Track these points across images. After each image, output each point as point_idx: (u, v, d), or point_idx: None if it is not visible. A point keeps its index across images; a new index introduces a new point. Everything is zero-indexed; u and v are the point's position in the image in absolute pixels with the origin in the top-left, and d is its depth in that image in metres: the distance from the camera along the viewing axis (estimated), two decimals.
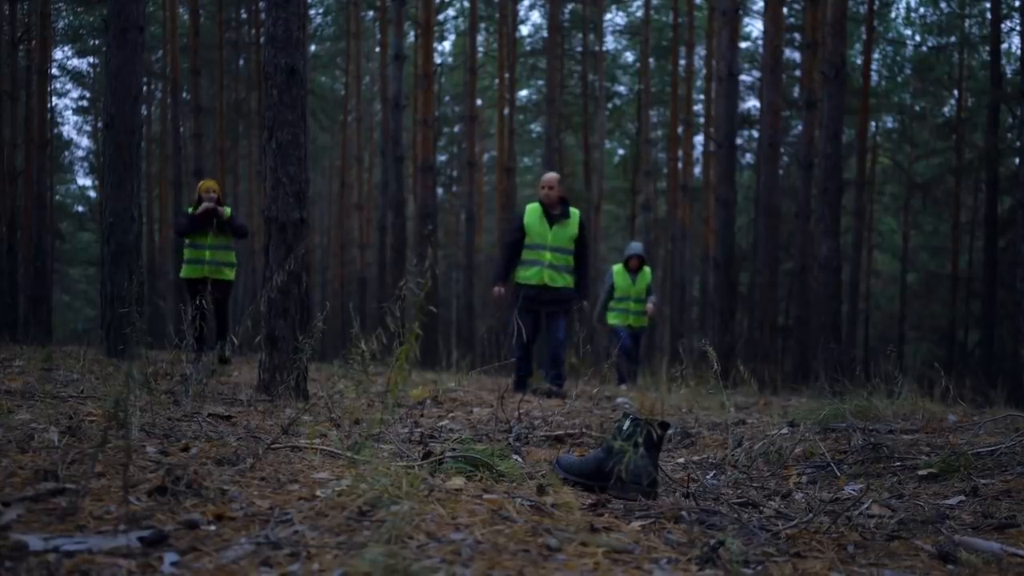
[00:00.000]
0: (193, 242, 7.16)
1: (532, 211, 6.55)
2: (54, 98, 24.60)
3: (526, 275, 6.44)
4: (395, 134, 16.48)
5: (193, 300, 6.40)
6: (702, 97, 24.15)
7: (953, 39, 21.49)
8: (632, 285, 9.24)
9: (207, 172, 19.08)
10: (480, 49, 23.66)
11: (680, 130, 21.25)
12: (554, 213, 6.48)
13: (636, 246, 9.47)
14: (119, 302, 6.47)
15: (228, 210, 7.27)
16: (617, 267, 9.36)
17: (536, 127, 27.41)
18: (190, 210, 7.19)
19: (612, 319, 9.30)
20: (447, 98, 27.80)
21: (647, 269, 9.35)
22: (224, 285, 7.27)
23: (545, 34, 21.70)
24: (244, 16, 22.91)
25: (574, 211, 6.58)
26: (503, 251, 6.68)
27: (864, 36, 19.03)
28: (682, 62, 21.58)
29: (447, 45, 28.14)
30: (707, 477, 2.66)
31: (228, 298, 7.41)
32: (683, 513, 1.97)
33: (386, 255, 18.27)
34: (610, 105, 25.25)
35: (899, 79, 23.62)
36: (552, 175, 6.72)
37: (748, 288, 17.77)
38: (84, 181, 33.07)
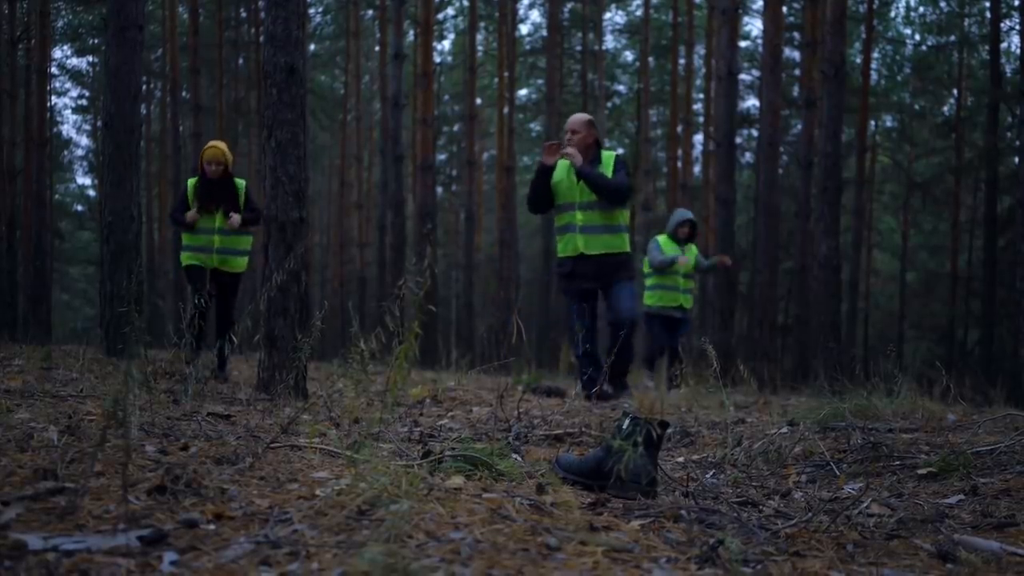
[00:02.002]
0: (201, 225, 5.90)
1: (560, 169, 5.25)
2: (53, 97, 24.60)
3: (560, 247, 5.30)
4: (395, 133, 16.48)
5: (196, 293, 5.58)
6: (702, 96, 24.15)
7: (953, 38, 21.49)
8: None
9: None
10: (480, 48, 23.65)
11: (680, 129, 21.24)
12: (584, 159, 5.18)
13: (685, 212, 7.94)
14: (118, 301, 6.47)
15: (242, 184, 5.97)
16: (662, 237, 7.85)
17: (536, 126, 27.41)
18: (191, 184, 5.92)
19: (653, 300, 7.69)
20: (447, 97, 27.81)
21: (694, 245, 7.92)
22: (234, 276, 6.05)
23: (545, 33, 21.72)
24: (244, 15, 22.89)
25: (608, 154, 5.25)
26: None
27: (864, 35, 19.03)
28: (681, 61, 21.58)
29: (447, 44, 28.14)
30: (706, 476, 2.66)
31: (237, 292, 6.14)
32: (682, 512, 1.97)
33: (385, 254, 18.27)
34: (610, 104, 25.23)
35: (899, 78, 23.63)
36: (579, 116, 5.43)
37: (748, 287, 17.77)
38: (83, 180, 33.09)
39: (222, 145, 5.93)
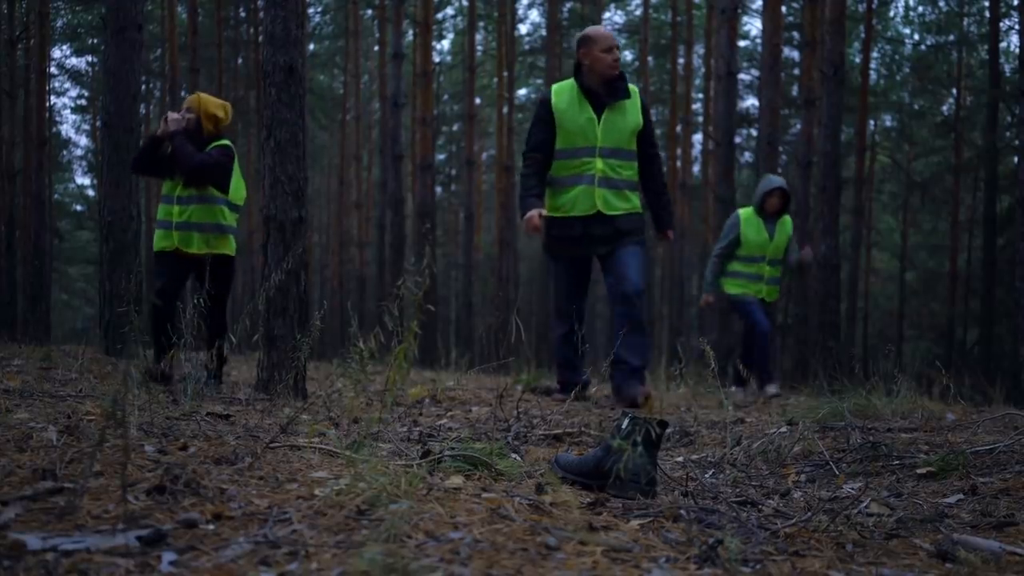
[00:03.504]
0: (163, 193, 4.78)
1: (564, 91, 4.26)
2: (53, 97, 24.56)
3: (563, 202, 4.25)
4: (394, 132, 16.48)
5: (162, 290, 4.52)
6: (701, 96, 24.17)
7: (952, 37, 21.50)
8: (769, 240, 6.37)
9: None
10: (479, 48, 23.66)
11: (679, 128, 21.24)
12: (603, 94, 4.21)
13: (774, 179, 6.57)
14: (118, 301, 6.47)
15: (224, 141, 4.77)
16: (745, 212, 6.48)
17: None
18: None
19: (734, 287, 6.46)
20: (446, 96, 27.80)
21: (788, 217, 6.52)
22: (215, 265, 4.67)
23: (544, 33, 21.70)
24: (243, 15, 22.89)
25: (633, 89, 4.34)
26: (527, 162, 4.33)
27: (863, 35, 19.03)
28: (681, 60, 21.58)
29: (446, 44, 28.15)
30: (706, 476, 2.66)
31: (224, 283, 4.78)
32: (682, 512, 1.97)
33: (385, 254, 18.27)
34: None
35: (898, 78, 23.65)
36: (607, 33, 4.34)
37: None
38: (83, 180, 33.09)
39: (204, 95, 4.87)
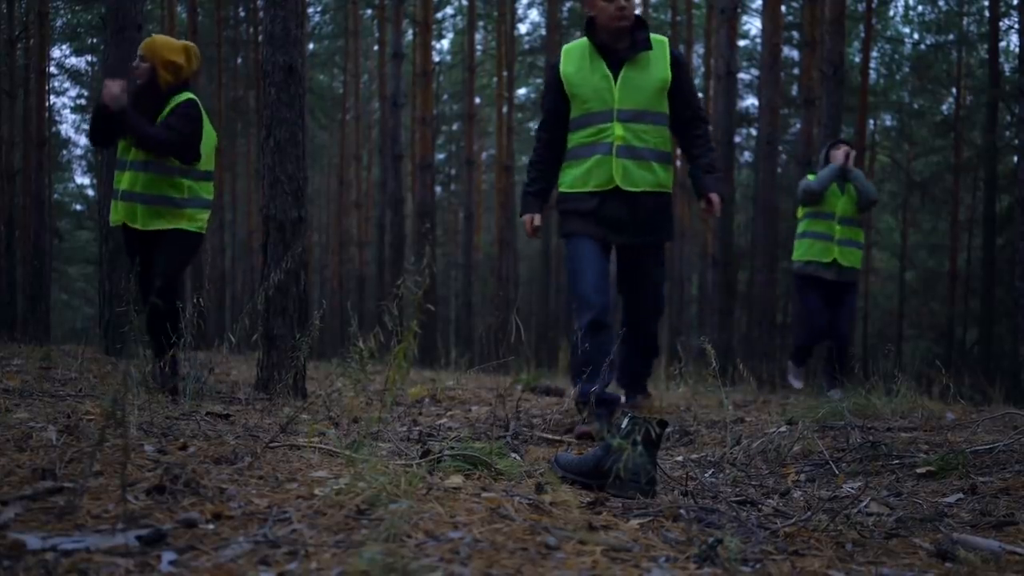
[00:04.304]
0: (117, 156, 4.08)
1: (574, 52, 3.58)
2: (52, 96, 24.55)
3: (576, 175, 3.54)
4: (394, 132, 16.47)
5: (132, 268, 3.97)
6: (701, 95, 24.15)
7: (951, 37, 21.49)
8: (839, 195, 5.75)
9: None
10: (479, 47, 23.66)
11: None
12: (620, 47, 3.52)
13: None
14: (117, 301, 6.46)
15: (181, 99, 3.96)
16: (814, 175, 5.98)
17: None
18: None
19: (796, 252, 5.88)
20: (445, 96, 27.79)
21: (859, 171, 5.89)
22: (159, 239, 3.95)
23: (544, 32, 21.68)
24: (242, 14, 22.88)
25: (659, 39, 3.59)
26: (535, 146, 3.74)
27: (863, 34, 19.03)
28: None
29: (445, 43, 28.14)
30: (705, 475, 2.66)
31: (171, 264, 3.96)
32: (681, 511, 1.97)
33: (384, 253, 18.27)
34: None
35: (897, 77, 23.64)
36: None
37: (746, 286, 17.77)
38: (82, 179, 33.06)
39: (158, 38, 4.06)
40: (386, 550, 1.31)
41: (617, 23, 3.50)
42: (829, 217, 5.77)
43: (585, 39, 3.63)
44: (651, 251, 3.63)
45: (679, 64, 3.60)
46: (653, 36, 3.59)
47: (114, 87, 3.75)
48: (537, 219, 3.68)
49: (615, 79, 3.50)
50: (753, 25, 26.03)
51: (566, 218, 3.63)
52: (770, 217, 12.79)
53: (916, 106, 23.27)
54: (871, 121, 22.65)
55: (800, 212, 6.07)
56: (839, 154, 5.79)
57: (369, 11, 23.63)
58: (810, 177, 5.94)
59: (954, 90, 21.48)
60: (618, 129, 3.48)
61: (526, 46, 24.91)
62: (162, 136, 3.87)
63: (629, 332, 3.63)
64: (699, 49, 22.98)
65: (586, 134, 3.54)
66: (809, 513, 1.96)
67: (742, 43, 22.87)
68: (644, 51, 3.52)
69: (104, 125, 3.92)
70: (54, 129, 26.05)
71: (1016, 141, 15.24)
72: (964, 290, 20.40)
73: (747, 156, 23.27)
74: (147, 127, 3.87)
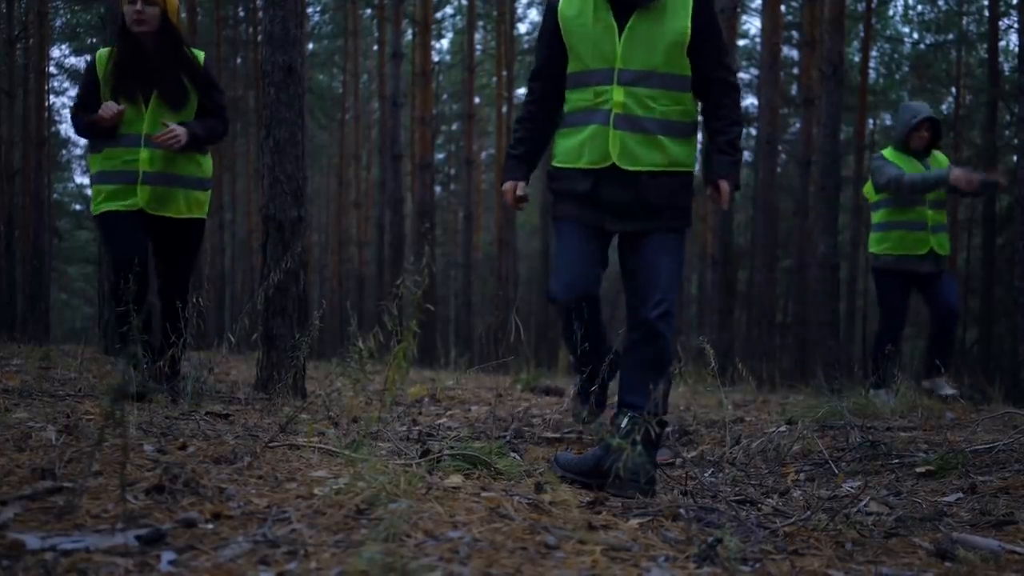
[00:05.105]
0: (119, 131, 3.46)
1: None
2: (52, 96, 24.54)
3: (568, 147, 2.89)
4: (393, 132, 16.47)
5: (118, 268, 3.50)
6: None
7: (951, 36, 21.50)
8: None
9: None
10: (478, 47, 23.64)
11: None
12: None
13: (919, 106, 5.20)
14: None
15: (201, 56, 3.68)
16: (888, 152, 5.23)
17: None
18: (101, 56, 3.55)
19: (882, 246, 5.09)
20: (445, 96, 27.80)
21: (941, 155, 5.22)
22: (181, 227, 3.61)
23: None
24: (242, 14, 22.88)
25: None
26: (526, 99, 3.09)
27: (862, 33, 19.04)
28: None
29: (445, 43, 28.12)
30: (705, 475, 2.66)
31: (191, 252, 3.70)
32: (681, 511, 1.97)
33: (384, 253, 18.27)
34: None
35: (897, 76, 23.65)
36: None
37: (746, 286, 17.78)
38: (82, 179, 33.02)
39: None
40: (385, 550, 1.31)
41: None
42: (920, 203, 4.99)
43: None
44: (657, 237, 2.85)
45: (704, 11, 2.84)
46: None
47: (112, 109, 3.37)
48: (521, 187, 2.99)
49: (619, 31, 2.80)
50: (752, 25, 26.04)
51: (558, 199, 2.97)
52: (770, 217, 12.80)
53: None
54: (870, 120, 22.67)
55: (874, 197, 5.23)
56: (921, 138, 5.06)
57: (369, 11, 23.63)
58: (886, 155, 5.12)
59: (954, 89, 21.49)
60: (618, 94, 2.80)
61: (526, 46, 24.89)
62: (223, 126, 3.68)
63: (633, 344, 2.80)
64: None
65: (582, 97, 2.88)
66: (809, 512, 1.96)
67: (741, 43, 22.88)
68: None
69: (97, 133, 3.52)
70: (53, 129, 26.04)
71: (1016, 141, 15.24)
72: (964, 290, 20.38)
73: (747, 156, 23.27)
74: (216, 129, 3.63)
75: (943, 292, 5.07)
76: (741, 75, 20.78)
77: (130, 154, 3.47)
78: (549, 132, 3.06)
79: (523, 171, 3.02)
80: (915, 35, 23.52)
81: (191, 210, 3.66)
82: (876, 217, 5.20)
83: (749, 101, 23.45)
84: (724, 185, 2.89)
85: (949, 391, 4.64)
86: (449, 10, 25.46)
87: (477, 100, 24.29)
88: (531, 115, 3.04)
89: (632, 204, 2.84)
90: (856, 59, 19.40)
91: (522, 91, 25.56)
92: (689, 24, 2.79)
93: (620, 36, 2.79)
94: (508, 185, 3.02)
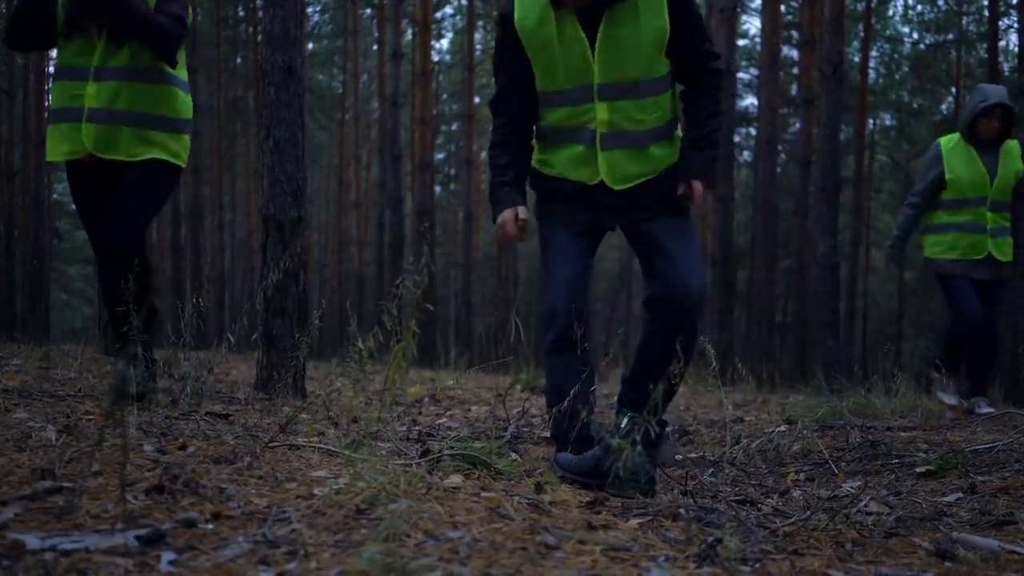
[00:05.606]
0: (62, 66, 3.09)
1: (529, 5, 2.55)
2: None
3: (553, 160, 2.68)
4: (393, 132, 16.47)
5: (86, 220, 3.22)
6: None
7: (951, 36, 21.50)
8: (986, 175, 4.52)
9: (205, 170, 19.06)
10: (478, 47, 23.63)
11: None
12: None
13: (992, 90, 4.57)
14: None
15: None
16: (948, 140, 4.69)
17: None
18: None
19: (937, 250, 4.68)
20: (445, 96, 27.80)
21: (1014, 143, 4.64)
22: (134, 174, 3.12)
23: None
24: (242, 14, 22.88)
25: None
26: (494, 125, 2.79)
27: (862, 33, 19.04)
28: None
29: (445, 43, 28.12)
30: (705, 475, 2.66)
31: (135, 207, 3.13)
32: (681, 511, 1.97)
33: (384, 253, 18.27)
34: None
35: (897, 76, 23.65)
36: None
37: (746, 286, 17.79)
38: None
39: None
40: (385, 550, 1.31)
41: None
42: (978, 204, 4.54)
43: None
44: (659, 224, 2.63)
45: (682, 3, 2.53)
46: None
47: None
48: (522, 211, 2.67)
49: (591, 43, 2.50)
50: (752, 24, 26.09)
51: (544, 196, 2.76)
52: (770, 216, 12.80)
53: (915, 105, 23.28)
54: (870, 120, 22.67)
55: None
56: (992, 126, 4.53)
57: (368, 11, 23.63)
58: (943, 145, 4.66)
59: (953, 89, 21.48)
60: (601, 112, 2.54)
61: None
62: (165, 27, 3.04)
63: (656, 333, 2.58)
64: None
65: (560, 115, 2.62)
66: (808, 512, 1.96)
67: (741, 42, 22.88)
68: None
69: (40, 15, 3.01)
70: None
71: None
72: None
73: (746, 156, 23.28)
74: (164, 23, 3.04)
75: (989, 316, 4.64)
76: (741, 75, 20.80)
77: (77, 88, 3.04)
78: (530, 150, 2.79)
79: (517, 196, 2.70)
80: (915, 35, 23.54)
81: (142, 150, 3.08)
82: (932, 218, 4.74)
83: (749, 101, 23.49)
84: (697, 186, 2.60)
85: (986, 409, 4.32)
86: (449, 10, 25.47)
87: (477, 100, 24.28)
88: (506, 139, 2.74)
89: (625, 204, 2.64)
90: (856, 59, 19.40)
91: None
92: (667, 19, 2.50)
93: (593, 50, 2.51)
94: (507, 215, 2.67)
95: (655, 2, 2.49)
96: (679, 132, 2.73)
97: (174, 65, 3.16)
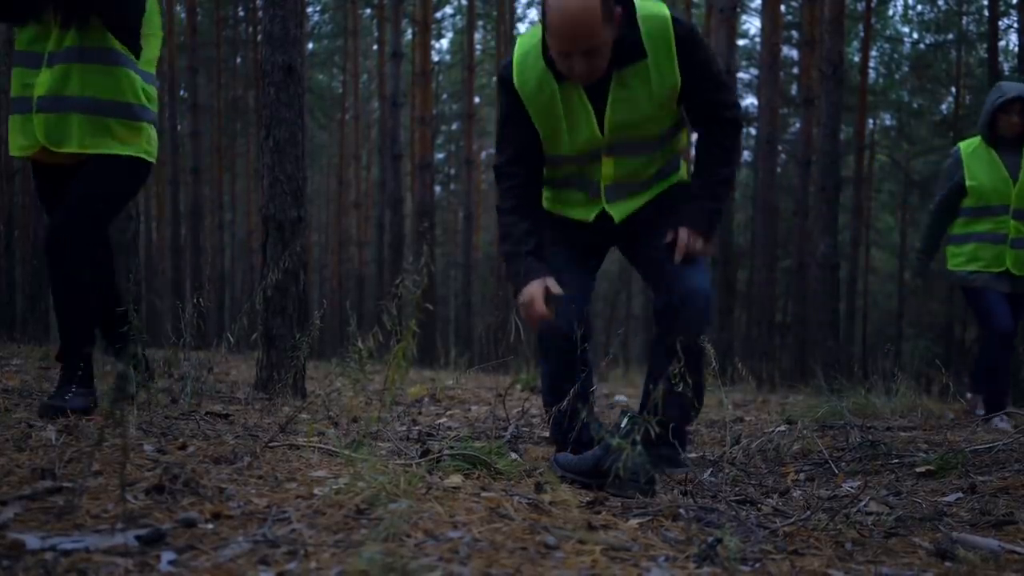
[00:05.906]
0: (19, 51, 2.82)
1: (531, 58, 2.44)
2: None
3: (558, 201, 2.66)
4: (393, 132, 16.47)
5: (44, 207, 3.04)
6: None
7: (951, 36, 21.51)
8: (1009, 180, 4.21)
9: (205, 170, 19.07)
10: (478, 46, 23.65)
11: None
12: (579, 56, 2.27)
13: (1012, 86, 4.27)
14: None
15: None
16: (968, 144, 4.39)
17: None
18: None
19: (958, 262, 4.38)
20: (445, 96, 27.80)
21: None
22: (88, 167, 2.80)
23: None
24: (242, 14, 22.89)
25: (655, 29, 2.35)
26: (504, 191, 2.59)
27: (862, 33, 19.04)
28: None
29: (445, 43, 28.13)
30: (705, 475, 2.66)
31: (85, 196, 2.81)
32: (681, 511, 1.97)
33: (384, 253, 18.27)
34: None
35: (897, 76, 23.66)
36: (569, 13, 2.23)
37: (746, 286, 17.79)
38: None
39: None
40: (385, 550, 1.31)
41: (565, 72, 2.35)
42: (1000, 212, 4.23)
43: (538, 39, 2.44)
44: (660, 232, 2.54)
45: (692, 51, 2.39)
46: (647, 26, 2.35)
47: None
48: (553, 284, 2.42)
49: (598, 114, 2.43)
50: (752, 24, 26.07)
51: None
52: (770, 217, 12.80)
53: (915, 105, 23.29)
54: (870, 120, 22.67)
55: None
56: (1014, 123, 4.21)
57: (368, 11, 23.63)
58: (963, 150, 4.37)
59: (953, 89, 21.49)
60: (607, 167, 2.51)
61: None
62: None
63: (662, 337, 2.51)
64: None
65: (565, 172, 2.60)
66: (808, 512, 1.96)
67: (741, 42, 22.88)
68: (636, 61, 2.37)
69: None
70: None
71: None
72: (963, 289, 20.39)
73: (746, 156, 23.29)
74: None
75: (1014, 316, 4.33)
76: (741, 75, 20.81)
77: (30, 76, 2.79)
78: (543, 211, 2.66)
79: (542, 266, 2.48)
80: (915, 35, 23.56)
81: (96, 142, 2.79)
82: (952, 227, 4.45)
83: (749, 101, 23.46)
84: (683, 234, 2.47)
85: (1001, 425, 3.97)
86: (449, 10, 25.48)
87: (477, 100, 24.29)
88: (521, 204, 2.57)
89: (625, 228, 2.61)
90: (856, 59, 19.41)
91: None
92: (678, 75, 2.40)
93: (602, 122, 2.44)
94: (535, 287, 2.42)
95: (666, 61, 2.39)
96: (685, 164, 2.68)
97: (135, 47, 2.83)
